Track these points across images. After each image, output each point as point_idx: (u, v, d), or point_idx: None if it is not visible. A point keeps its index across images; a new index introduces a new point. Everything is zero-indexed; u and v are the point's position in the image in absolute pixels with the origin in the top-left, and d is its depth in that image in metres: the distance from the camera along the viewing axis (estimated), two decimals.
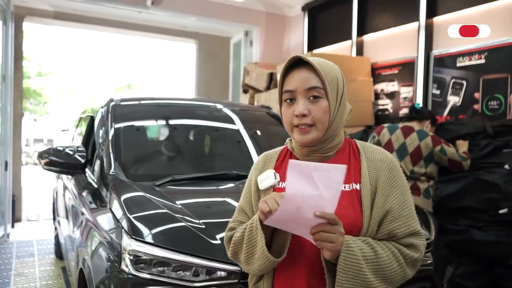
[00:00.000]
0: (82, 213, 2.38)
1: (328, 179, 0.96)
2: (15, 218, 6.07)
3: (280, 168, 1.25)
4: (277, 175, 1.22)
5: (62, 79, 24.37)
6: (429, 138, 3.03)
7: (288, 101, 1.16)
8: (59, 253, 4.30)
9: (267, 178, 1.22)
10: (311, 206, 0.99)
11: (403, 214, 1.13)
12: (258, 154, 2.79)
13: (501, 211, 2.96)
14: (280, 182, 1.21)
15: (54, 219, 4.64)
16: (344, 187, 1.13)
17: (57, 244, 4.27)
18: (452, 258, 2.37)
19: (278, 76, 5.04)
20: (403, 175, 1.21)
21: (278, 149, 1.32)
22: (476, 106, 3.90)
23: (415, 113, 3.22)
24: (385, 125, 3.25)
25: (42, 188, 11.42)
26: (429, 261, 1.95)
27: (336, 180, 0.96)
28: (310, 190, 0.97)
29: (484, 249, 3.05)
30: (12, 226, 5.79)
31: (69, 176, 3.15)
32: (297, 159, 1.22)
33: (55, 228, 4.46)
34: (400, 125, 3.16)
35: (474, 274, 3.14)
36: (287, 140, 1.30)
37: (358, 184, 1.15)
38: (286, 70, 1.17)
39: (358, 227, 1.11)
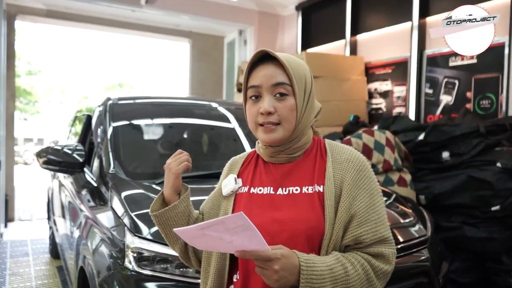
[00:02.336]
0: (82, 212, 2.38)
1: (226, 228, 0.86)
2: (8, 218, 6.03)
3: (244, 172, 1.19)
4: (239, 180, 1.16)
5: (53, 78, 24.18)
6: (387, 131, 3.35)
7: (253, 97, 1.09)
8: (54, 252, 4.28)
9: (228, 184, 1.16)
10: (229, 248, 0.93)
11: (370, 218, 1.04)
12: None
13: (493, 208, 3.02)
14: (242, 187, 1.15)
15: (49, 218, 4.63)
16: (307, 189, 1.07)
17: (53, 243, 4.25)
18: (447, 254, 2.42)
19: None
20: (375, 177, 1.11)
21: (246, 152, 1.26)
22: (468, 105, 3.97)
23: (359, 122, 3.58)
24: (349, 136, 3.38)
25: (34, 187, 11.35)
26: (425, 257, 1.99)
27: (240, 225, 0.85)
28: (214, 242, 0.92)
29: (476, 245, 3.11)
30: (5, 226, 5.76)
31: (66, 175, 3.15)
32: (264, 161, 1.17)
33: (50, 228, 4.45)
34: (360, 131, 3.38)
35: (467, 270, 3.20)
36: (256, 142, 1.21)
37: (321, 186, 1.07)
38: (252, 65, 1.10)
39: (320, 232, 1.02)
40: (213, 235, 0.88)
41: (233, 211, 1.12)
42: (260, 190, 1.11)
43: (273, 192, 1.09)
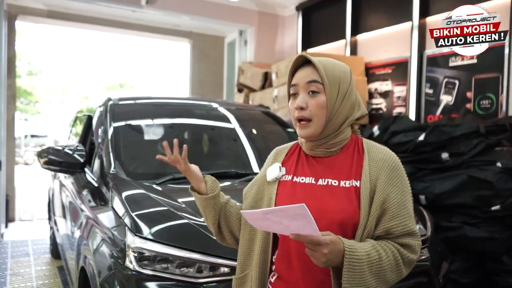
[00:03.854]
0: (83, 212, 2.39)
1: (286, 215, 0.99)
2: (9, 218, 6.04)
3: (288, 161, 1.31)
4: (283, 168, 1.29)
5: (53, 78, 24.16)
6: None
7: (292, 95, 1.24)
8: (55, 252, 4.29)
9: (273, 171, 1.29)
10: (285, 231, 1.05)
11: (400, 214, 1.16)
12: (254, 152, 2.84)
13: (493, 208, 3.02)
14: (286, 175, 1.28)
15: (49, 218, 4.63)
16: (345, 183, 1.19)
17: (53, 243, 4.26)
18: (448, 254, 2.42)
19: (273, 76, 5.08)
20: (406, 176, 1.23)
21: (290, 144, 1.39)
22: (468, 105, 3.97)
23: None
24: None
25: (34, 188, 11.35)
26: (425, 257, 2.00)
27: (298, 213, 0.98)
28: (274, 225, 1.06)
29: (476, 245, 3.11)
30: (6, 226, 5.76)
31: (67, 175, 3.16)
32: (305, 153, 1.28)
33: (51, 228, 4.45)
34: None
35: (467, 270, 3.21)
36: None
37: (358, 182, 1.18)
38: (295, 69, 1.24)
39: (354, 222, 1.15)
40: (274, 219, 1.02)
41: (276, 196, 1.26)
42: (302, 179, 1.24)
43: (314, 182, 1.22)
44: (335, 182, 1.20)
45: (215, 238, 1.37)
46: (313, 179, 1.22)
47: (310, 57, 1.20)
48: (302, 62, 1.24)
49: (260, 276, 1.26)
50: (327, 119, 1.18)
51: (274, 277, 1.26)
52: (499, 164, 3.04)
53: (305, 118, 1.19)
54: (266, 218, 1.03)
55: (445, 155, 3.33)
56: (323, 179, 1.21)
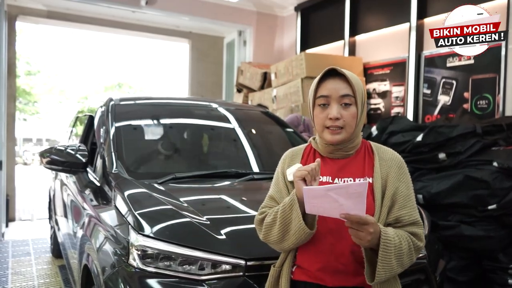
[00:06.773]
0: (85, 211, 2.42)
1: (346, 192, 1.11)
2: (9, 218, 6.06)
3: (306, 163, 1.44)
4: None
5: (52, 78, 24.13)
6: None
7: (321, 105, 1.37)
8: (56, 251, 4.32)
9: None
10: (336, 211, 1.16)
11: (407, 205, 1.35)
12: (254, 152, 2.87)
13: (490, 207, 3.06)
14: None
15: (50, 218, 4.66)
16: (359, 180, 1.36)
17: (54, 242, 4.29)
18: (444, 252, 2.46)
19: (272, 76, 5.10)
20: (409, 173, 1.42)
21: (302, 146, 1.53)
22: (465, 106, 4.01)
23: None
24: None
25: (33, 187, 11.37)
26: (423, 255, 2.03)
27: (357, 191, 1.10)
28: (328, 204, 1.15)
29: (473, 243, 3.15)
30: (6, 226, 5.79)
31: (68, 175, 3.18)
32: (321, 156, 1.43)
33: (52, 227, 4.48)
34: None
35: (464, 268, 3.24)
36: (310, 138, 1.50)
37: (371, 178, 1.37)
38: (320, 79, 1.38)
39: (370, 213, 1.30)
40: (333, 197, 1.13)
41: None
42: (320, 178, 1.36)
43: (331, 181, 1.38)
44: (350, 180, 1.36)
45: (277, 246, 1.42)
46: (330, 178, 1.38)
47: (344, 72, 1.34)
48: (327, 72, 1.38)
49: (290, 267, 1.42)
50: (355, 126, 1.36)
51: (295, 267, 1.42)
52: (495, 164, 3.08)
53: (338, 126, 1.34)
54: (326, 195, 1.13)
55: (442, 155, 3.37)
56: (340, 179, 1.37)
